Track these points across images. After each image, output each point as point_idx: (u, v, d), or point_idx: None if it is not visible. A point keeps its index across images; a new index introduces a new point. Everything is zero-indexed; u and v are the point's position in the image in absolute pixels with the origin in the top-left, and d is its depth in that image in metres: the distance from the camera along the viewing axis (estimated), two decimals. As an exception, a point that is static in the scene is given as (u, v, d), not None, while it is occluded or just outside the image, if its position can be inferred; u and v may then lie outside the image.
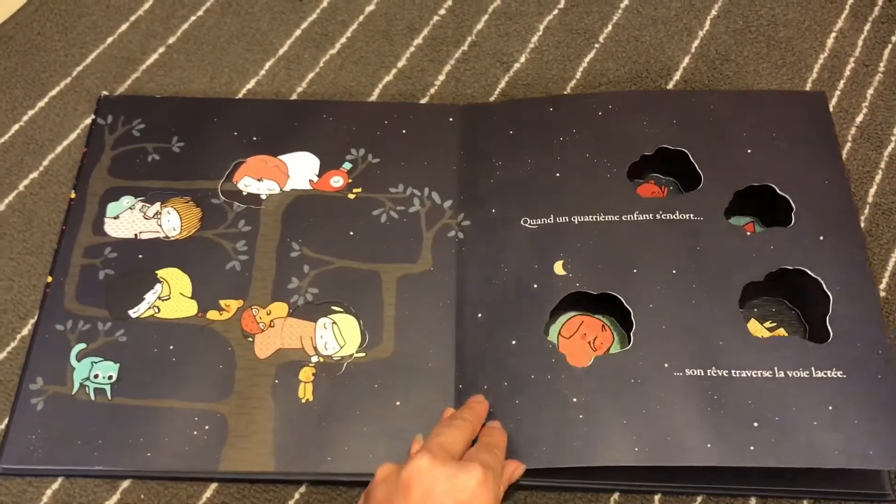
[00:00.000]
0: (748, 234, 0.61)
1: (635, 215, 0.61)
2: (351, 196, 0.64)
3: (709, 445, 0.53)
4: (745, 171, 0.63)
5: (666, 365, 0.56)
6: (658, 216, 0.61)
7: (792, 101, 0.67)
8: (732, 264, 0.59)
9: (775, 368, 0.55)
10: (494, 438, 0.52)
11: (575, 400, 0.55)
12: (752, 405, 0.54)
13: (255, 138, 0.66)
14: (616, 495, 0.56)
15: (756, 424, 0.53)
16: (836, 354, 0.56)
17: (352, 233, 0.63)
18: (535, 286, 0.59)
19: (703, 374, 0.55)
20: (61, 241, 0.62)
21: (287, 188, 0.64)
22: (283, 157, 0.66)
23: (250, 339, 0.59)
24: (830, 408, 0.54)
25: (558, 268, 0.60)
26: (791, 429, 0.53)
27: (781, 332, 0.60)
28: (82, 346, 0.58)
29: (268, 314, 0.60)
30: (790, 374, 0.55)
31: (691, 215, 0.61)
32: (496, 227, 0.62)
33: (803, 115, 0.66)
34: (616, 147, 0.64)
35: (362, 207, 0.64)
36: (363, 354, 0.58)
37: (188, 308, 0.60)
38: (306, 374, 0.58)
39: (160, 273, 0.61)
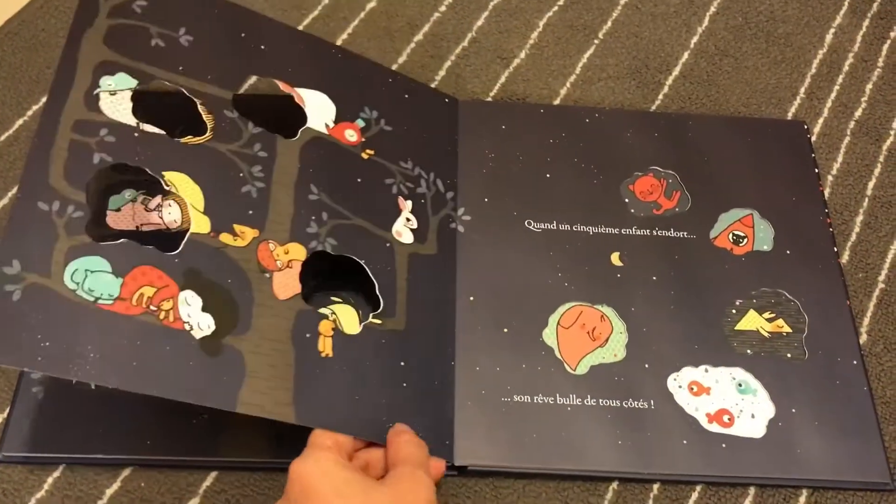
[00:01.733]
0: (733, 255, 0.63)
1: (632, 230, 0.64)
2: (364, 156, 0.61)
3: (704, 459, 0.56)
4: (731, 196, 0.66)
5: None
6: (650, 232, 0.64)
7: (774, 128, 0.70)
8: (715, 284, 0.62)
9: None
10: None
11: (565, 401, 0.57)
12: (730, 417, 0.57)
13: (271, 59, 0.60)
14: (615, 484, 0.56)
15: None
16: (813, 371, 0.59)
17: (367, 195, 0.60)
18: (533, 285, 0.61)
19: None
20: (47, 105, 0.52)
21: (303, 126, 0.60)
22: (302, 91, 0.61)
23: (268, 276, 0.53)
24: (816, 423, 0.57)
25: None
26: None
27: (780, 323, 0.60)
28: (71, 242, 0.49)
29: (286, 253, 0.55)
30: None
31: (683, 233, 0.64)
32: (494, 225, 0.63)
33: (784, 144, 0.69)
34: (607, 161, 0.67)
35: (376, 172, 0.61)
36: (379, 321, 0.56)
37: (200, 223, 0.53)
38: (326, 327, 0.54)
39: (168, 176, 0.53)
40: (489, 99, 0.71)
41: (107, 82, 0.54)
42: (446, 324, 0.59)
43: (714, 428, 0.56)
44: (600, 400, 0.57)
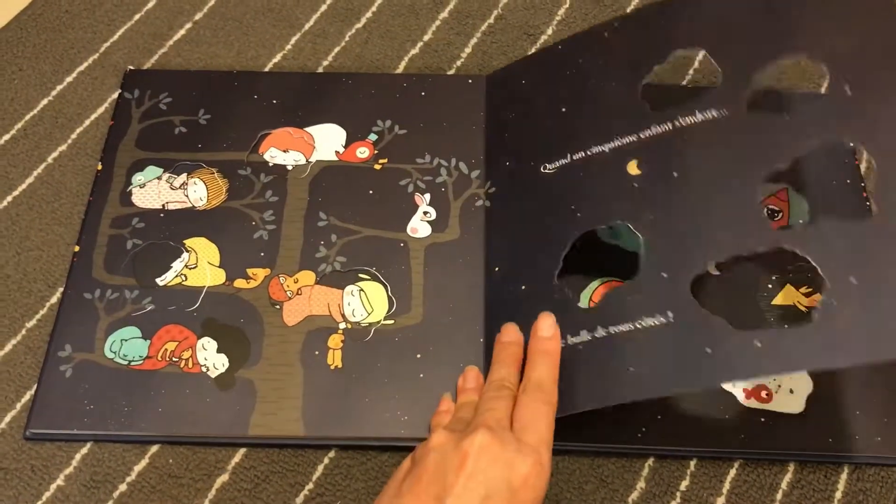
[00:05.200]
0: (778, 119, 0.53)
1: (651, 129, 0.56)
2: (377, 167, 0.64)
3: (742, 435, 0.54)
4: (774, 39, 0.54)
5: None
6: (676, 123, 0.55)
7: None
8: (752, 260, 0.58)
9: None
10: (542, 372, 0.50)
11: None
12: None
13: (281, 110, 0.66)
14: (651, 460, 0.55)
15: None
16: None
17: (380, 203, 0.62)
18: (557, 234, 0.57)
19: None
20: (88, 211, 0.62)
21: (313, 159, 0.64)
22: (310, 129, 0.66)
23: (277, 307, 0.58)
24: (856, 399, 0.55)
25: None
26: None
27: (818, 297, 0.59)
28: (110, 319, 0.58)
29: (295, 282, 0.59)
30: None
31: (713, 112, 0.54)
32: (516, 184, 0.61)
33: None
34: (626, 60, 0.59)
35: (389, 177, 0.63)
36: (391, 322, 0.58)
37: (216, 276, 0.59)
38: (335, 340, 0.57)
39: (188, 242, 0.61)
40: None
41: (137, 178, 0.63)
42: (473, 306, 0.58)
43: (752, 404, 0.55)
44: None
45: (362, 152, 0.65)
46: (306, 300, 0.59)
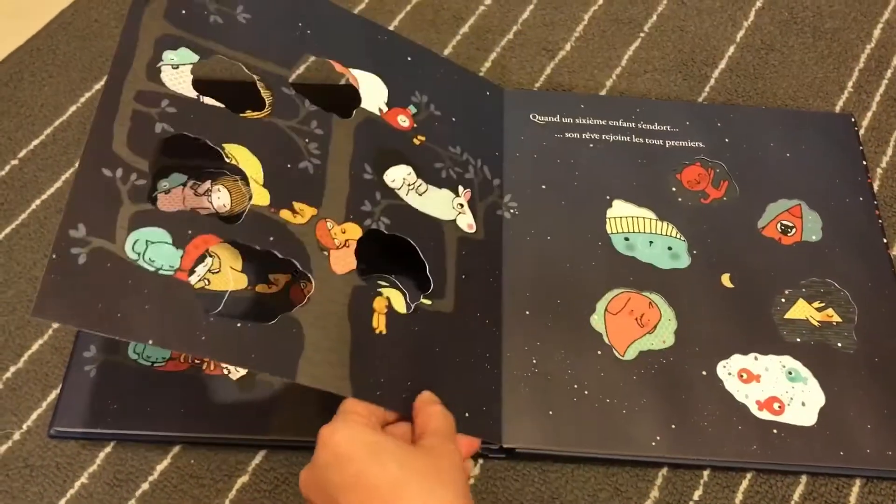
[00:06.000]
0: (781, 244, 0.63)
1: (680, 219, 0.64)
2: (416, 142, 0.61)
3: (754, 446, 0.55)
4: (778, 186, 0.65)
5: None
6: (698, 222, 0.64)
7: (820, 120, 0.69)
8: (764, 273, 0.62)
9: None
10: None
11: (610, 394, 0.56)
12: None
13: (326, 40, 0.61)
14: (665, 470, 0.55)
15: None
16: (864, 361, 0.58)
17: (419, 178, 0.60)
18: (580, 271, 0.61)
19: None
20: (110, 78, 0.51)
21: (357, 106, 0.61)
22: (356, 72, 0.61)
23: (326, 253, 0.53)
24: (867, 412, 0.56)
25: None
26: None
27: (830, 312, 0.60)
28: (135, 208, 0.48)
29: (343, 233, 0.55)
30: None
31: (731, 223, 0.64)
32: (540, 212, 0.63)
33: (831, 136, 0.68)
34: (654, 150, 0.67)
35: (427, 156, 0.61)
36: (429, 302, 0.56)
37: (260, 196, 0.53)
38: (380, 304, 0.54)
39: (227, 147, 0.53)
40: (535, 89, 0.71)
41: (169, 56, 0.54)
42: (494, 309, 0.59)
43: (764, 415, 0.56)
44: (649, 385, 0.56)
45: (403, 121, 0.62)
46: (353, 253, 0.55)
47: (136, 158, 0.49)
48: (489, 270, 0.60)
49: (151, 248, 0.48)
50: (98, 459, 0.55)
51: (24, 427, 0.56)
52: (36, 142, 0.68)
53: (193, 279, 0.58)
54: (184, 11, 0.56)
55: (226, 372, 0.57)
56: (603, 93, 0.71)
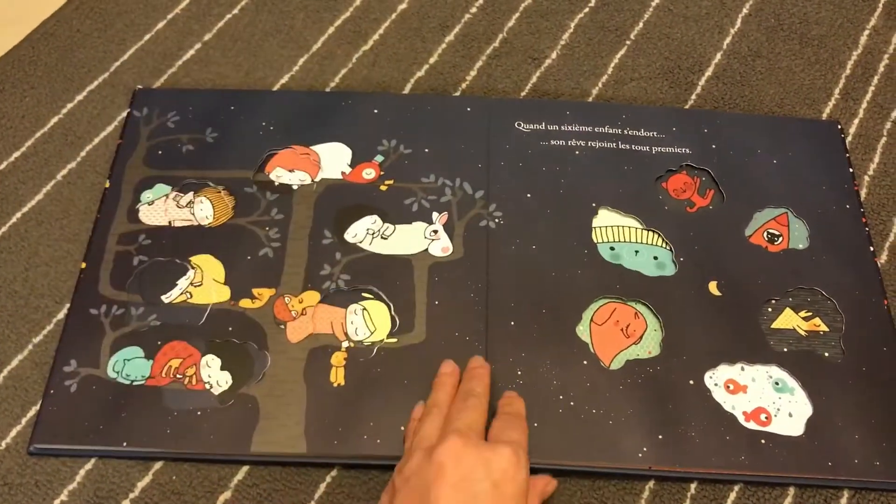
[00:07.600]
0: (768, 252, 0.62)
1: (666, 227, 0.63)
2: (383, 188, 0.64)
3: (742, 457, 0.54)
4: (764, 194, 0.65)
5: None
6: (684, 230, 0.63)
7: (807, 128, 0.69)
8: (751, 281, 0.61)
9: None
10: (514, 408, 0.52)
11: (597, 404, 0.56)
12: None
13: (287, 129, 0.67)
14: (651, 483, 0.55)
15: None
16: (851, 370, 0.58)
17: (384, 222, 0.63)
18: (565, 279, 0.60)
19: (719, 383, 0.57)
20: (96, 227, 0.62)
21: (318, 178, 0.65)
22: (316, 147, 0.66)
23: (282, 326, 0.59)
24: (855, 423, 0.56)
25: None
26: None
27: (817, 321, 0.59)
28: (115, 335, 0.58)
29: (300, 302, 0.60)
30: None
31: (717, 231, 0.63)
32: (525, 219, 0.63)
33: (817, 143, 0.68)
34: (639, 157, 0.67)
35: (394, 197, 0.64)
36: (394, 340, 0.58)
37: (221, 293, 0.60)
38: (338, 358, 0.58)
39: (193, 259, 0.61)
40: (521, 97, 0.71)
41: (146, 196, 0.64)
42: (476, 323, 0.58)
43: (751, 426, 0.55)
44: (636, 395, 0.56)
45: (368, 173, 0.65)
46: (310, 319, 0.59)
47: (117, 293, 0.60)
48: (469, 286, 0.60)
49: (128, 365, 0.57)
50: (78, 476, 0.54)
51: (3, 445, 0.55)
52: (17, 153, 0.67)
53: (175, 292, 0.59)
54: (160, 152, 0.66)
55: (207, 387, 0.56)
56: (589, 100, 0.71)
